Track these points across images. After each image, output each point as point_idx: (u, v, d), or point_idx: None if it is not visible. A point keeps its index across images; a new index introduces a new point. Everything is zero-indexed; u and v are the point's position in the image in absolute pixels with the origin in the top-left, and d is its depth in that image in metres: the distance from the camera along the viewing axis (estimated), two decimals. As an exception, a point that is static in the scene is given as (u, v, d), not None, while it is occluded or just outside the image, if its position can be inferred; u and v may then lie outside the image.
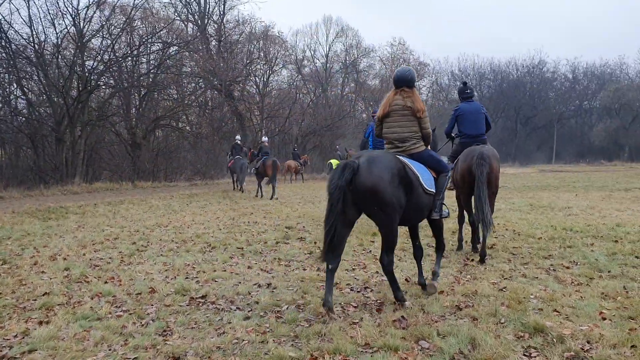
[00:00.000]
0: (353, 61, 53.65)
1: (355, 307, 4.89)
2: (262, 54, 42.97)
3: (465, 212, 7.92)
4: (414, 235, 5.58)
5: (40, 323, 4.38)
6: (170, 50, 30.99)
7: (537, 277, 5.96)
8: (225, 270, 6.49)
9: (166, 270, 6.56)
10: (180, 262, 7.00)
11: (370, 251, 7.66)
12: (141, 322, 4.47)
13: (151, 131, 30.54)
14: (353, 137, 44.43)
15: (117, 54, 27.11)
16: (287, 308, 4.88)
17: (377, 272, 6.36)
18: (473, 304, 4.91)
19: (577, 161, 61.70)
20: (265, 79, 45.08)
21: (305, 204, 15.53)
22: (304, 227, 10.29)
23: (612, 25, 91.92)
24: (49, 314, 4.69)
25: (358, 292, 5.45)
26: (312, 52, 53.72)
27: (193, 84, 36.52)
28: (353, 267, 6.61)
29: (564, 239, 8.24)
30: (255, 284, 5.79)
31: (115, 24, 26.79)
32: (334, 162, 32.55)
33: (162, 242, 8.75)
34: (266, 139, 21.20)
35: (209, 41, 40.06)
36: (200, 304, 5.05)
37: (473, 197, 6.94)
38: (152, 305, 5.01)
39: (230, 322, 4.46)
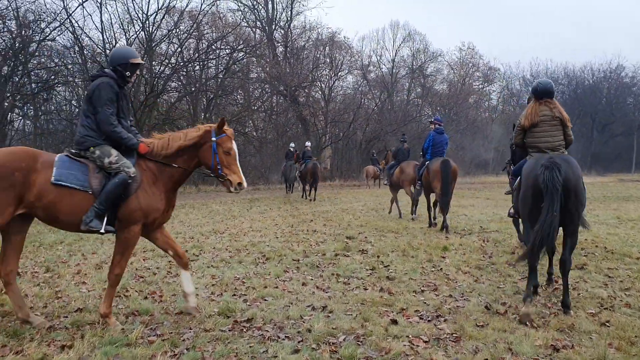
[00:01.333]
0: (420, 66, 52.30)
1: (426, 342, 4.08)
2: (327, 60, 42.55)
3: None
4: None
5: (63, 347, 3.86)
6: (237, 56, 31.12)
7: (646, 309, 4.94)
8: (277, 287, 5.83)
9: (213, 284, 5.97)
10: (230, 275, 6.41)
11: (441, 269, 6.80)
12: (173, 352, 3.85)
13: (216, 136, 30.57)
14: (419, 143, 43.15)
15: (184, 59, 27.40)
16: (344, 339, 4.14)
17: (450, 295, 5.51)
18: (572, 344, 4.00)
19: (659, 171, 57.50)
20: (330, 85, 44.68)
21: (368, 212, 14.76)
22: (366, 237, 9.53)
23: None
24: (76, 335, 4.17)
25: (429, 321, 4.63)
26: (378, 57, 52.79)
27: (259, 90, 36.62)
28: (422, 289, 5.78)
29: (670, 261, 7.08)
30: (309, 306, 5.09)
31: (183, 29, 27.03)
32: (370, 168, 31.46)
33: (215, 250, 8.24)
34: (309, 143, 22.90)
35: (275, 47, 40.08)
36: (244, 330, 4.40)
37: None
38: (190, 329, 4.41)
39: (276, 357, 3.78)
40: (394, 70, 52.46)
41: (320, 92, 43.77)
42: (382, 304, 5.13)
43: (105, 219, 4.31)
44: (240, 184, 4.67)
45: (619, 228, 10.70)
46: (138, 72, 5.24)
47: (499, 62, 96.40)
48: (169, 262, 7.31)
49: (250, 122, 36.07)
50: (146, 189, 4.50)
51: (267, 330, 4.37)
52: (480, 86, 59.36)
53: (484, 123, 55.17)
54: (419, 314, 4.81)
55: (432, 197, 11.40)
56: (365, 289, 5.76)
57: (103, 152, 4.42)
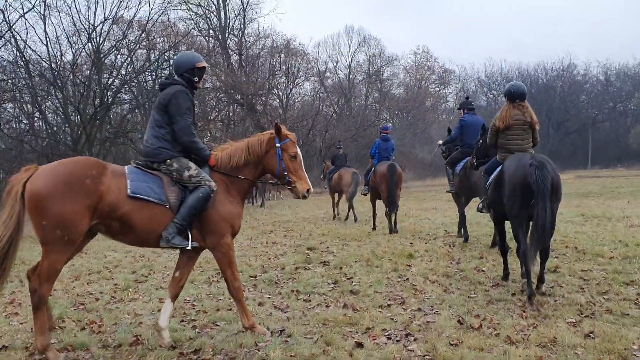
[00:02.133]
0: (376, 71, 52.42)
1: (396, 367, 3.62)
2: (284, 67, 42.16)
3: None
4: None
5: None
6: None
7: (627, 314, 4.61)
8: (230, 309, 5.28)
9: (159, 309, 5.37)
10: (179, 297, 5.82)
11: (408, 279, 6.37)
12: (103, 399, 3.28)
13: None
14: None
15: (135, 70, 26.52)
16: (303, 369, 3.64)
17: (419, 309, 5.08)
18: (557, 361, 3.61)
19: (614, 165, 59.07)
20: (287, 92, 44.26)
21: (330, 220, 14.31)
22: (327, 247, 9.05)
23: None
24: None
25: (397, 341, 4.17)
26: (335, 63, 52.70)
27: (214, 99, 35.86)
28: (388, 302, 5.33)
29: (642, 258, 6.85)
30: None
31: (133, 39, 26.13)
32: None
33: (166, 269, 7.62)
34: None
35: (229, 55, 39.42)
36: (190, 364, 3.85)
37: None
38: (128, 365, 3.84)
39: (223, 398, 3.25)
40: (350, 76, 52.47)
41: (277, 100, 43.34)
42: (346, 323, 4.65)
43: (189, 234, 4.16)
44: (308, 190, 4.58)
45: (585, 226, 10.53)
46: (204, 76, 4.94)
47: (454, 64, 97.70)
48: (115, 285, 6.68)
49: (208, 132, 35.31)
50: (223, 199, 4.35)
51: (216, 364, 3.83)
52: (437, 89, 59.98)
53: (441, 125, 55.60)
54: (387, 333, 4.34)
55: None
56: (328, 306, 5.28)
57: (181, 165, 4.23)
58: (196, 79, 4.47)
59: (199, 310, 5.28)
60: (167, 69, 29.80)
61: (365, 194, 12.27)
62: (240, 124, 38.26)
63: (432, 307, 5.15)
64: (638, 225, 10.24)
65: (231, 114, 39.23)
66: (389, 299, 5.47)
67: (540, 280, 5.48)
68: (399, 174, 10.82)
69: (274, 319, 4.92)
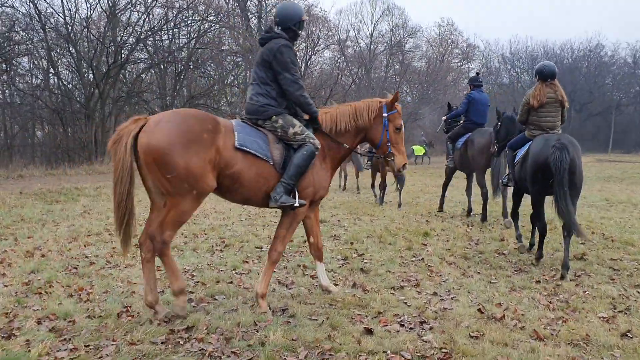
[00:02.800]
0: (398, 42, 51.22)
1: (408, 361, 3.23)
2: (303, 34, 41.27)
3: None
4: None
5: None
6: (207, 26, 29.71)
7: (667, 311, 4.17)
8: (231, 282, 4.92)
9: (157, 278, 5.02)
10: (179, 266, 5.47)
11: (423, 259, 5.95)
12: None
13: (187, 110, 29.29)
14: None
15: (151, 28, 25.93)
16: (305, 356, 3.26)
17: (435, 293, 4.67)
18: (593, 364, 3.18)
19: (635, 151, 57.78)
20: (306, 60, 43.47)
21: (343, 193, 13.89)
22: (339, 221, 8.65)
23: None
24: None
25: (411, 329, 3.77)
26: (356, 32, 51.62)
27: (231, 63, 35.22)
28: (402, 284, 4.92)
29: (676, 249, 6.36)
30: (266, 308, 4.20)
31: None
32: (417, 148, 31.06)
33: (168, 235, 7.27)
34: None
35: (249, 18, 38.59)
36: (181, 342, 3.49)
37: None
38: (113, 340, 3.48)
39: (212, 387, 2.88)
40: (372, 46, 51.37)
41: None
42: (354, 304, 4.26)
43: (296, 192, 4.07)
44: (405, 165, 4.56)
45: (610, 211, 10.02)
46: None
47: (479, 38, 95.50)
48: (113, 249, 6.35)
49: (224, 97, 34.79)
50: (317, 164, 4.23)
51: (209, 343, 3.46)
52: (460, 63, 58.62)
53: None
54: (399, 319, 3.94)
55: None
56: (336, 285, 4.88)
57: (286, 122, 4.11)
58: (300, 32, 4.32)
59: (198, 282, 4.91)
60: (185, 27, 29.29)
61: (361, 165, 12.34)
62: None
63: (449, 291, 4.74)
64: (667, 213, 9.71)
65: (249, 79, 38.61)
66: (403, 280, 5.06)
67: (565, 266, 5.24)
68: None
69: (277, 295, 4.55)
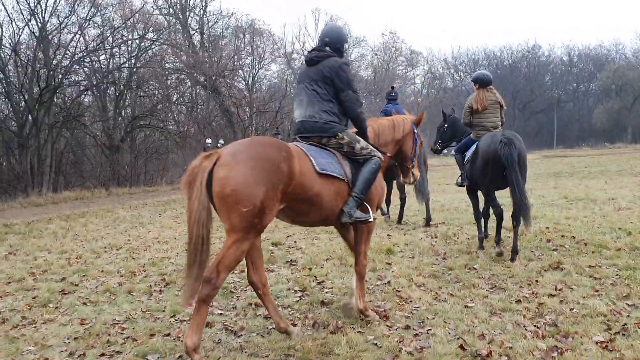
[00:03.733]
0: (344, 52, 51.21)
1: None
2: (249, 48, 40.69)
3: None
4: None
5: None
6: (146, 45, 28.70)
7: (667, 328, 3.69)
8: (169, 335, 4.17)
9: (77, 337, 4.21)
10: (107, 316, 4.68)
11: (389, 282, 5.35)
12: None
13: (129, 132, 28.15)
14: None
15: (87, 48, 24.76)
16: None
17: (407, 326, 4.05)
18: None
19: (578, 145, 59.61)
20: (253, 74, 42.86)
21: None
22: (295, 242, 7.98)
23: (605, 5, 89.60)
24: None
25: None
26: (302, 44, 51.41)
27: (176, 81, 34.13)
28: (369, 318, 4.29)
29: (652, 250, 5.99)
30: (209, 367, 3.49)
31: (83, 16, 24.27)
32: None
33: (102, 275, 6.44)
34: (209, 140, 22.72)
35: (190, 35, 37.65)
36: None
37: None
38: None
39: None
40: (318, 58, 51.14)
41: (243, 82, 41.89)
42: (316, 352, 3.60)
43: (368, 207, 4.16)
44: (416, 178, 4.98)
45: (572, 209, 9.73)
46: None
47: (422, 45, 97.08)
48: (34, 298, 5.48)
49: (170, 115, 33.69)
50: (379, 176, 4.36)
51: None
52: (404, 71, 59.22)
53: (409, 107, 54.90)
54: (371, 368, 3.31)
55: None
56: (294, 325, 4.21)
57: (351, 138, 4.17)
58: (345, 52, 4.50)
59: (127, 337, 4.12)
60: (124, 46, 28.10)
61: None
62: (204, 106, 36.72)
63: (422, 322, 4.14)
64: (627, 209, 9.49)
65: (195, 97, 37.60)
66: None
67: (514, 251, 5.99)
68: None
69: (223, 348, 3.83)
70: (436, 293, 4.91)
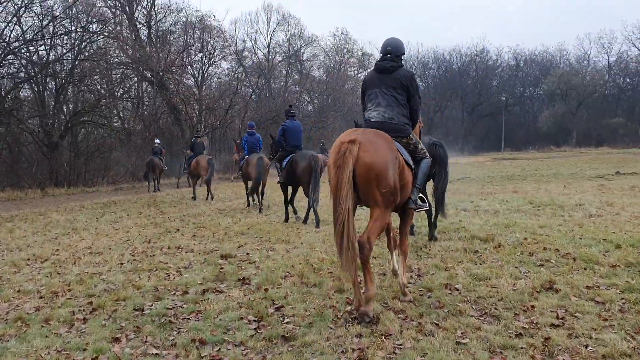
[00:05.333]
0: (296, 51, 50.42)
1: None
2: (198, 45, 39.23)
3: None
4: None
5: None
6: (90, 37, 27.01)
7: None
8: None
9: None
10: (11, 359, 3.67)
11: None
12: None
13: (70, 128, 26.38)
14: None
15: (25, 38, 22.98)
16: None
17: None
18: None
19: (525, 148, 60.78)
20: (203, 71, 41.43)
21: (250, 211, 12.29)
22: (248, 254, 7.06)
23: (550, 13, 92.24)
24: None
25: None
26: (253, 42, 50.25)
27: (121, 76, 32.35)
28: (343, 361, 3.45)
29: (648, 265, 5.41)
30: None
31: (18, 2, 22.44)
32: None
33: (17, 297, 5.36)
34: (158, 140, 22.55)
35: (137, 29, 35.84)
36: None
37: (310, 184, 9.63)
38: None
39: None
40: (270, 56, 50.18)
41: (193, 79, 40.39)
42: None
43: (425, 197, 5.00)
44: None
45: (542, 217, 9.20)
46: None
47: (374, 46, 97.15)
48: None
49: (115, 111, 31.94)
50: None
51: None
52: (356, 72, 58.81)
53: (360, 109, 54.55)
54: None
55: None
56: (248, 372, 3.32)
57: (416, 139, 4.83)
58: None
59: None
60: (66, 38, 26.25)
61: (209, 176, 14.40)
62: (151, 103, 35.10)
63: (409, 366, 3.34)
64: (598, 215, 9.07)
65: (142, 93, 35.90)
66: (341, 352, 3.59)
67: (430, 238, 7.38)
68: (267, 163, 12.70)
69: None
70: (419, 323, 4.12)
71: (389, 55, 4.82)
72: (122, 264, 6.80)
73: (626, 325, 3.86)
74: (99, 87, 29.20)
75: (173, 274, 6.07)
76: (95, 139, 28.23)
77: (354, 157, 4.04)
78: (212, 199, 15.78)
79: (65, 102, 27.71)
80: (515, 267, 5.63)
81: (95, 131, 28.42)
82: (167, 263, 6.68)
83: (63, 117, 26.87)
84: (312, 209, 9.77)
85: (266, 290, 5.20)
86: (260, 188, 12.59)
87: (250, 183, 13.03)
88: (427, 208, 4.94)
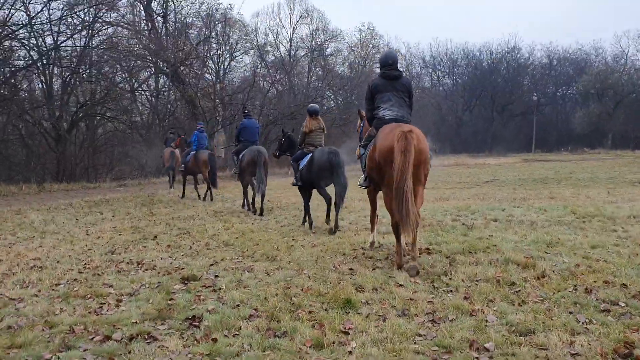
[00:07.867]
0: (319, 46, 48.80)
1: None
2: (220, 38, 37.95)
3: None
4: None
5: None
6: (102, 26, 25.98)
7: None
8: None
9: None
10: None
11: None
12: None
13: (78, 121, 25.36)
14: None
15: (32, 23, 22.02)
16: None
17: None
18: None
19: (557, 149, 58.29)
20: (224, 66, 40.23)
21: (247, 215, 10.84)
22: (216, 276, 5.55)
23: (588, 11, 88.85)
24: None
25: None
26: (275, 36, 48.82)
27: (136, 67, 31.22)
28: None
29: None
30: None
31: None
32: None
33: None
34: (172, 134, 21.30)
35: (154, 19, 34.72)
36: None
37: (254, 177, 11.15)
38: None
39: None
40: (292, 51, 48.75)
41: (214, 74, 39.14)
42: None
43: None
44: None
45: (589, 231, 7.51)
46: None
47: (400, 41, 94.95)
48: None
49: (124, 103, 30.90)
50: None
51: None
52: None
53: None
54: None
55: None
56: None
57: None
58: None
59: None
60: (79, 24, 25.21)
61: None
62: (165, 95, 34.01)
63: None
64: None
65: (159, 85, 34.81)
66: None
67: (335, 227, 8.35)
68: (212, 159, 14.86)
69: None
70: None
71: (392, 65, 6.10)
72: (57, 284, 5.38)
73: None
74: (110, 77, 28.09)
75: (108, 305, 4.60)
76: (105, 132, 27.13)
77: (412, 144, 5.09)
78: (212, 199, 14.79)
79: (74, 92, 26.67)
80: (570, 313, 4.01)
81: (102, 124, 27.33)
82: (111, 287, 5.22)
83: (69, 109, 25.85)
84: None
85: (215, 340, 3.68)
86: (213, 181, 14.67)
87: (191, 178, 15.63)
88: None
